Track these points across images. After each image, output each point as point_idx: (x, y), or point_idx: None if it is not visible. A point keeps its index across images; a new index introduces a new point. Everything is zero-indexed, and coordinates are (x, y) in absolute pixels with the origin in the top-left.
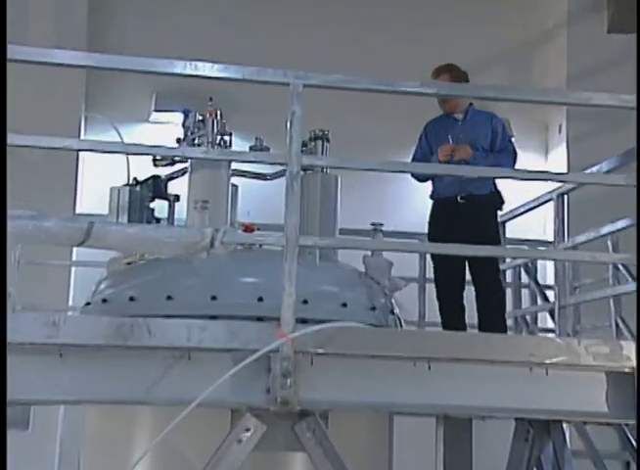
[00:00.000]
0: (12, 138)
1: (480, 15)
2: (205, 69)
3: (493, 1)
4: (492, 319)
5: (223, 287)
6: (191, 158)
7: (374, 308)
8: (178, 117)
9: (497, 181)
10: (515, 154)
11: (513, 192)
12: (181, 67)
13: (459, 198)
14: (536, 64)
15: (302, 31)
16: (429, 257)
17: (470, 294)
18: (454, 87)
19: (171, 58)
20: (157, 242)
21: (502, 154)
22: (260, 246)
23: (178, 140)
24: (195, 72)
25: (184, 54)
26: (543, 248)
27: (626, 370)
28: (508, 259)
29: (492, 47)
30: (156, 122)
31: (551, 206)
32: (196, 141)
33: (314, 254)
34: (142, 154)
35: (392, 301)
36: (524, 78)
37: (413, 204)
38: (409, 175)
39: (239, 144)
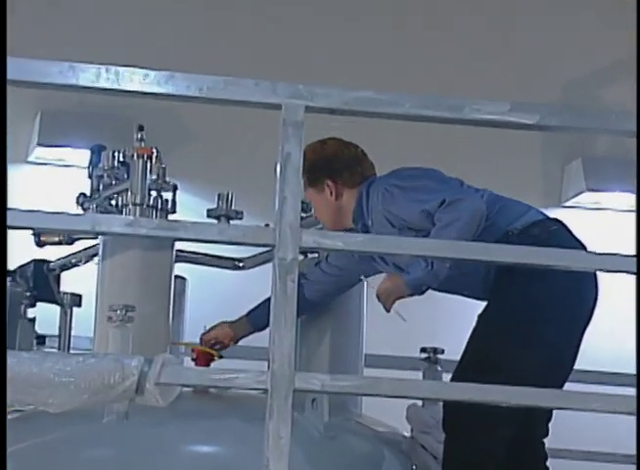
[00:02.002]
0: None
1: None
2: (135, 78)
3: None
4: None
5: (156, 465)
6: (104, 233)
7: None
8: (81, 156)
9: None
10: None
11: None
12: (91, 75)
13: None
14: None
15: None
16: None
17: None
18: (576, 115)
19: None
20: (42, 382)
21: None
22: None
23: (82, 198)
24: (115, 86)
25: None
26: None
27: None
28: None
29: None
30: (40, 164)
31: None
32: (113, 200)
33: (321, 403)
34: (13, 227)
35: None
36: None
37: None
38: None
39: (192, 204)
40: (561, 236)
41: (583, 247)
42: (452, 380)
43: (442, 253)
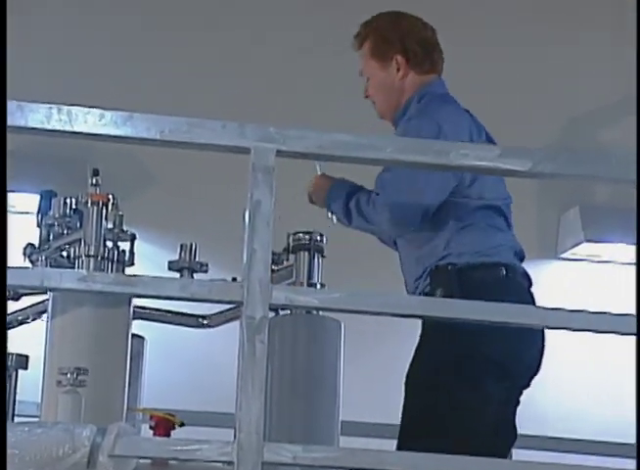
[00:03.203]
0: None
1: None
2: (89, 119)
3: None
4: None
5: None
6: (54, 289)
7: None
8: (28, 201)
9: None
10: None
11: None
12: (41, 115)
13: None
14: None
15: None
16: None
17: None
18: (573, 161)
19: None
20: None
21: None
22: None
23: (29, 249)
24: (67, 127)
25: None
26: None
27: None
28: None
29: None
30: None
31: None
32: (64, 251)
33: None
34: None
35: None
36: None
37: None
38: None
39: (152, 255)
40: (506, 287)
41: (532, 302)
42: (398, 443)
43: (404, 310)
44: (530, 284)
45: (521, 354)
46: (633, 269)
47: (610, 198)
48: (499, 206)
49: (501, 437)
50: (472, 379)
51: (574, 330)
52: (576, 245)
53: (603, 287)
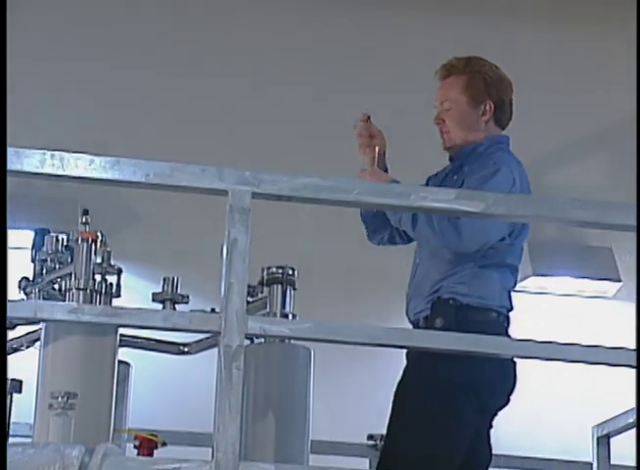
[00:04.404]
0: None
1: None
2: (80, 164)
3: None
4: None
5: None
6: (46, 320)
7: None
8: (23, 237)
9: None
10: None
11: None
12: (35, 160)
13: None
14: None
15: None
16: None
17: None
18: (521, 203)
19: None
20: None
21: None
22: None
23: (24, 282)
24: (59, 171)
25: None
26: None
27: None
28: None
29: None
30: None
31: None
32: (56, 284)
33: None
34: None
35: None
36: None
37: None
38: None
39: (137, 287)
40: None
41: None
42: (379, 461)
43: (369, 340)
44: (509, 323)
45: (495, 382)
46: (576, 301)
47: (555, 235)
48: (517, 267)
49: (478, 457)
50: (449, 404)
51: (545, 360)
52: (525, 278)
53: (548, 317)
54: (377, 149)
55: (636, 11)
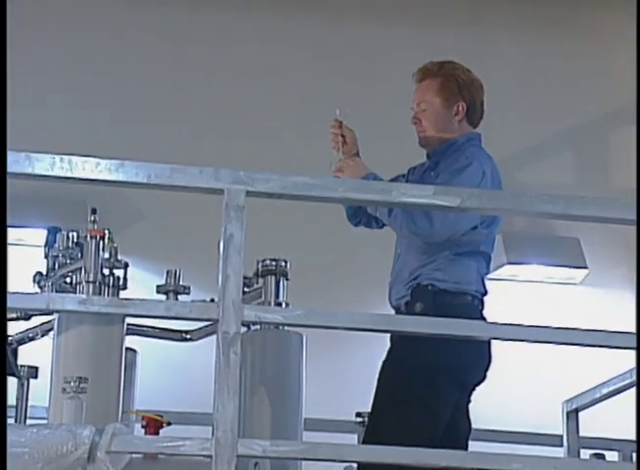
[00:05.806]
0: None
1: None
2: (87, 167)
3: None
4: None
5: None
6: (59, 310)
7: None
8: (36, 235)
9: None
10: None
11: None
12: (46, 164)
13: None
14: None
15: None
16: None
17: None
18: (494, 198)
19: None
20: None
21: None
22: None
23: (38, 276)
24: (68, 174)
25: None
26: None
27: None
28: None
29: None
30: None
31: None
32: (67, 278)
33: (264, 467)
34: None
35: None
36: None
37: None
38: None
39: (142, 280)
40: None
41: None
42: (365, 436)
43: (356, 325)
44: (484, 307)
45: (473, 361)
46: (547, 286)
47: (526, 226)
48: (490, 255)
49: (457, 430)
50: (431, 382)
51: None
52: (500, 266)
53: (521, 302)
54: (352, 136)
55: (636, 11)
